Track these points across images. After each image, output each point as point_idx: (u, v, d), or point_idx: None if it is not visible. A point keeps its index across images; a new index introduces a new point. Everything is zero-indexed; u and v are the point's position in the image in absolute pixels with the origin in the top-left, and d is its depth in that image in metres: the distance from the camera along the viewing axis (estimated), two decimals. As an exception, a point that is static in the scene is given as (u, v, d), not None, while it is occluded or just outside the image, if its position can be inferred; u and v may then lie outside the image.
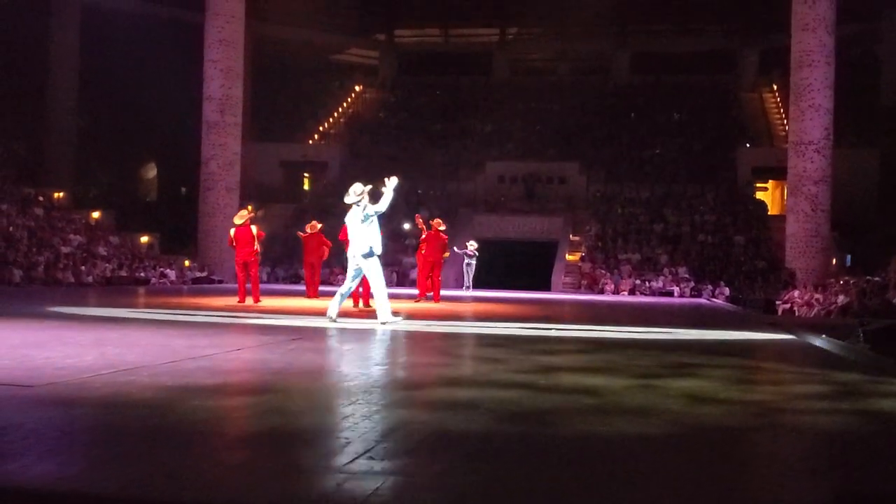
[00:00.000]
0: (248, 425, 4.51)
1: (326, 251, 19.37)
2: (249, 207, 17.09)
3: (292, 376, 6.11)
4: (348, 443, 3.94)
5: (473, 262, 28.17)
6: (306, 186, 46.81)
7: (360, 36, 53.84)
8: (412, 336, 10.58)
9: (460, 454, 3.82)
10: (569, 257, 34.60)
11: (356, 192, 11.66)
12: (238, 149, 34.43)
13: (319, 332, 10.25)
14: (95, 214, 37.02)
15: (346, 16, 51.05)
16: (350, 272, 11.87)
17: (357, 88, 52.63)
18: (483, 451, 3.90)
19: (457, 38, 54.93)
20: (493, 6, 51.31)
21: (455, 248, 27.86)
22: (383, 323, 11.26)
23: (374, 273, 11.57)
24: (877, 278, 23.38)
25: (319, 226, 19.75)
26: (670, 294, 30.85)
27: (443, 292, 20.30)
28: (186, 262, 34.02)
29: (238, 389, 5.74)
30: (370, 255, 11.49)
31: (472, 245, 28.45)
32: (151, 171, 50.03)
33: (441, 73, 52.26)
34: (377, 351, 8.82)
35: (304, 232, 19.50)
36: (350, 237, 11.79)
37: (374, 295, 11.78)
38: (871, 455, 4.27)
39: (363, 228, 11.53)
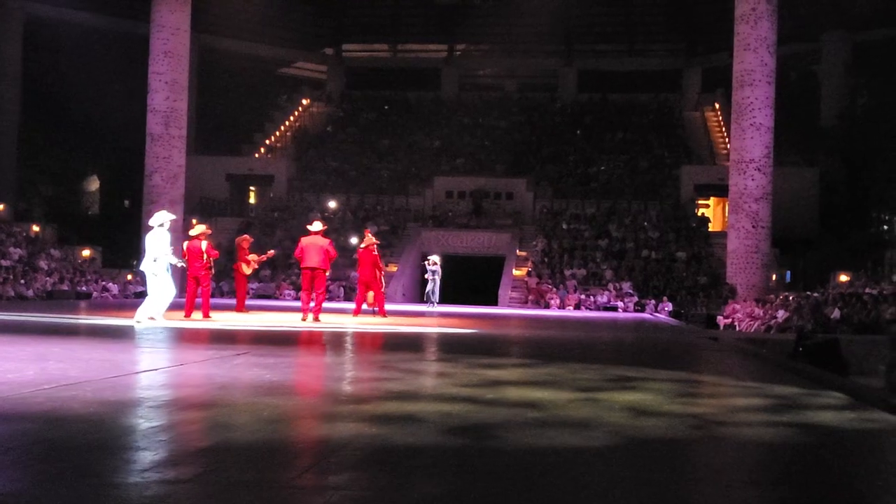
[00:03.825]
0: (194, 440, 4.48)
1: (247, 265, 19.25)
2: (204, 226, 16.89)
3: (238, 391, 6.08)
4: (295, 457, 3.94)
5: (437, 277, 28.21)
6: (252, 200, 46.48)
7: (308, 50, 53.74)
8: (360, 351, 10.57)
9: (406, 468, 3.85)
10: (516, 272, 34.80)
11: (158, 220, 13.93)
12: (183, 161, 34.10)
13: (266, 347, 10.20)
14: (36, 228, 36.36)
15: (294, 30, 50.93)
16: (161, 282, 13.68)
17: (304, 102, 52.45)
18: (429, 465, 3.93)
19: (405, 53, 55.10)
20: (442, 22, 51.57)
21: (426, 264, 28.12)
22: (137, 322, 13.15)
23: (163, 283, 13.70)
24: (815, 294, 23.90)
25: (247, 238, 19.69)
26: (614, 309, 31.17)
27: (403, 307, 20.28)
28: (129, 276, 33.55)
29: (183, 404, 5.70)
30: (160, 267, 13.62)
31: (432, 259, 28.51)
32: (94, 184, 49.28)
33: (389, 87, 52.33)
34: (323, 366, 8.80)
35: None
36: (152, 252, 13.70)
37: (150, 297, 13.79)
38: (811, 467, 4.39)
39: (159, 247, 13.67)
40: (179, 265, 15.17)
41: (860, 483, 4.09)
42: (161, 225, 13.86)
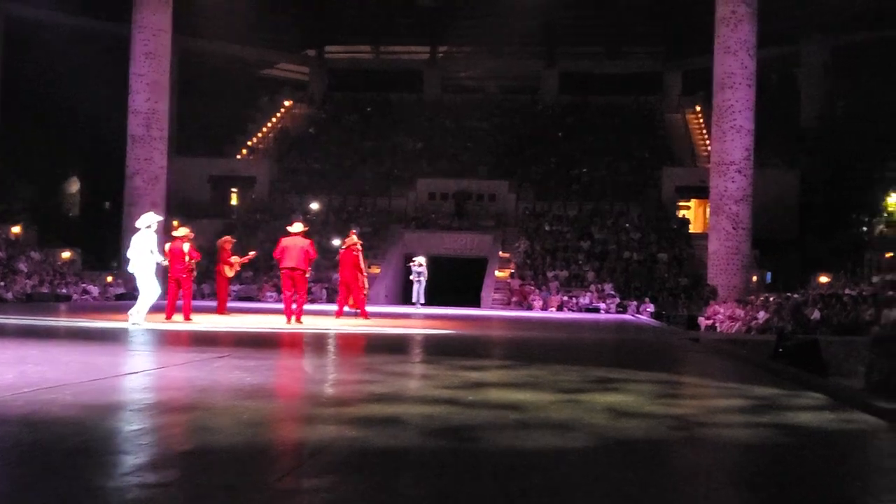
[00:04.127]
0: (174, 443, 4.46)
1: (230, 267, 19.23)
2: (187, 228, 16.84)
3: (218, 394, 6.06)
4: (276, 460, 3.94)
5: (422, 278, 28.21)
6: (234, 201, 46.33)
7: (290, 51, 53.63)
8: (342, 353, 10.56)
9: (387, 470, 3.85)
10: (498, 274, 34.84)
11: (145, 222, 14.14)
12: (164, 163, 33.95)
13: (246, 350, 10.17)
14: (16, 229, 36.09)
15: (276, 31, 50.79)
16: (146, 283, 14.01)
17: (287, 104, 52.32)
18: (410, 467, 3.93)
19: (387, 55, 55.05)
20: (424, 24, 51.56)
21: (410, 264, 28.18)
22: (133, 324, 13.40)
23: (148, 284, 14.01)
24: (796, 295, 24.04)
25: (230, 240, 19.66)
26: (596, 310, 31.25)
27: (387, 309, 20.25)
28: (109, 278, 33.35)
29: (164, 408, 5.67)
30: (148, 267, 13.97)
31: (418, 260, 28.53)
32: (75, 186, 48.98)
33: (372, 89, 52.27)
34: (303, 368, 8.79)
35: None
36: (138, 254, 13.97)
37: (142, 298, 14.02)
38: (791, 468, 4.42)
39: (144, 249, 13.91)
40: (164, 264, 15.26)
41: (840, 484, 4.12)
42: (148, 227, 14.05)
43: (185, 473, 3.73)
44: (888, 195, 35.92)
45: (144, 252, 13.92)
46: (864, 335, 11.50)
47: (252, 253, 20.45)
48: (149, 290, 13.98)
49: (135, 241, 14.10)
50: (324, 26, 52.53)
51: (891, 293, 19.77)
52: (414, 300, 28.30)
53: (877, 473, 4.52)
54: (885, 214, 35.61)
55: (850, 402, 6.72)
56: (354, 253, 18.96)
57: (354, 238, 19.33)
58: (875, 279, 26.01)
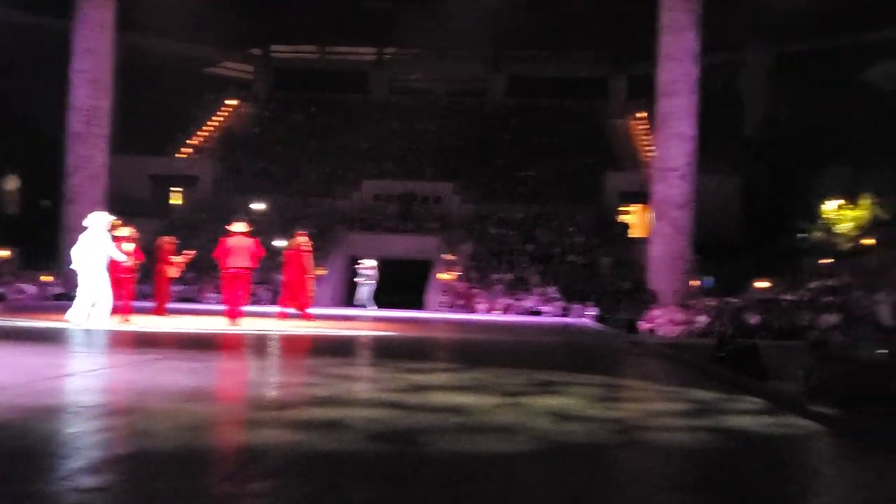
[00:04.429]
0: (112, 447, 4.38)
1: (172, 267, 19.04)
2: (131, 228, 16.61)
3: (157, 397, 5.96)
4: (215, 465, 3.88)
5: (372, 281, 28.15)
6: (176, 201, 45.70)
7: (235, 50, 53.08)
8: (285, 355, 10.47)
9: (330, 475, 3.81)
10: (443, 276, 34.85)
11: (94, 222, 14.33)
12: (105, 161, 33.33)
13: (186, 351, 10.04)
14: (-50, 227, 35.18)
15: (221, 29, 50.19)
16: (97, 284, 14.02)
17: (231, 103, 51.79)
18: (353, 472, 3.90)
19: (334, 55, 54.81)
20: (371, 26, 51.38)
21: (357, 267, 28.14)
22: (73, 323, 13.48)
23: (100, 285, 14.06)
24: (736, 300, 24.41)
25: (171, 241, 19.46)
26: (540, 313, 31.41)
27: (331, 311, 20.15)
28: (47, 278, 32.67)
29: (101, 411, 5.57)
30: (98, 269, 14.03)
31: (368, 262, 28.49)
32: (12, 184, 47.91)
33: (318, 89, 51.98)
34: (245, 370, 8.69)
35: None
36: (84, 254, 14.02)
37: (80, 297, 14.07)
38: (730, 472, 4.47)
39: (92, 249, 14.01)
40: (127, 262, 15.39)
41: (778, 488, 4.18)
42: (97, 226, 14.19)
43: (123, 478, 3.66)
44: (825, 202, 36.65)
45: (92, 252, 13.92)
46: (802, 340, 11.73)
47: (191, 252, 20.17)
48: (93, 290, 13.93)
49: (82, 239, 14.10)
50: (269, 25, 52.08)
51: (828, 299, 20.19)
52: (356, 302, 28.21)
53: (814, 477, 4.60)
54: (823, 221, 36.33)
55: (788, 407, 6.83)
56: (302, 254, 18.87)
57: (302, 239, 19.23)
58: (813, 285, 26.55)
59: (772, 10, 41.73)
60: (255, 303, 26.03)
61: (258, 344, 12.09)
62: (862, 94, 42.92)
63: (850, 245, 32.33)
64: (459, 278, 34.53)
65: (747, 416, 6.39)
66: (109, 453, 4.22)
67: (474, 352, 12.28)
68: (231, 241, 15.57)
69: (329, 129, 47.99)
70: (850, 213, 35.68)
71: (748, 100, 45.49)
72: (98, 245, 14.03)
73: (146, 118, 45.75)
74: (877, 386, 6.80)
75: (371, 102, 51.92)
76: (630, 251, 36.42)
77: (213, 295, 31.25)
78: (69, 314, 13.82)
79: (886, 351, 8.01)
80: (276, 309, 20.54)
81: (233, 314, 15.47)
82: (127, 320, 15.39)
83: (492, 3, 44.09)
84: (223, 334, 13.57)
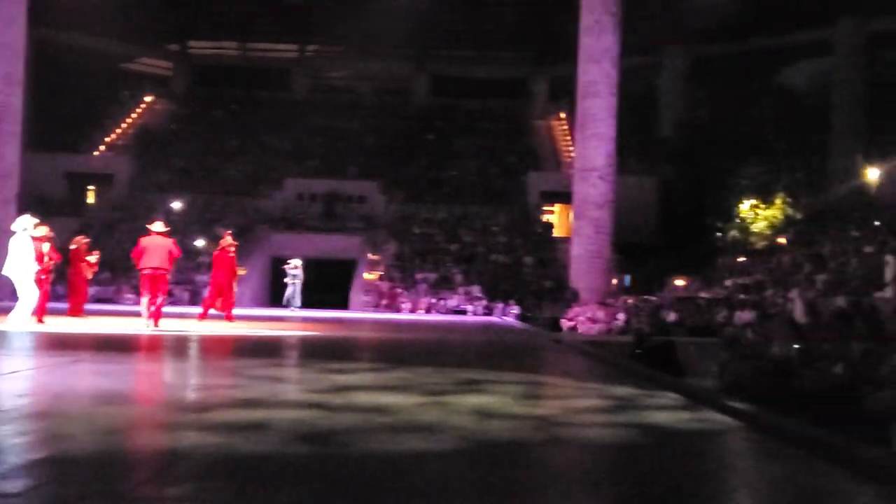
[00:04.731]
0: (26, 452, 4.27)
1: (88, 267, 18.66)
2: (47, 228, 16.19)
3: (74, 400, 5.83)
4: (134, 468, 3.81)
5: (297, 280, 27.93)
6: (92, 199, 44.66)
7: (153, 45, 52.11)
8: (206, 356, 10.33)
9: (251, 477, 3.78)
10: (367, 276, 34.76)
11: (22, 225, 14.42)
12: (16, 159, 32.39)
13: (103, 353, 9.83)
14: None
15: (138, 24, 49.22)
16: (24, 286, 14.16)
17: (148, 99, 50.81)
18: (275, 475, 3.88)
19: (255, 52, 54.21)
20: (292, 22, 50.96)
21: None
22: (12, 325, 13.48)
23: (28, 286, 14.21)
24: (654, 298, 24.89)
25: (86, 241, 19.04)
26: (464, 312, 31.56)
27: (254, 311, 19.92)
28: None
29: (15, 414, 5.42)
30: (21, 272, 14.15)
31: (293, 262, 28.26)
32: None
33: (238, 86, 51.32)
34: (164, 372, 8.55)
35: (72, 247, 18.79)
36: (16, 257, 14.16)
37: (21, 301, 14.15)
38: (648, 467, 4.56)
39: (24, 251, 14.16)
40: (52, 264, 15.39)
41: (695, 483, 4.28)
42: (24, 229, 14.30)
43: (37, 483, 3.58)
44: (741, 202, 37.62)
45: (23, 256, 14.11)
46: (717, 337, 12.01)
47: (95, 256, 19.67)
48: (25, 294, 14.12)
49: (13, 244, 14.27)
50: (188, 20, 51.30)
51: (742, 296, 20.72)
52: (285, 302, 28.02)
53: (729, 472, 4.72)
54: (738, 220, 37.27)
55: (704, 402, 6.99)
56: (230, 254, 18.66)
57: (230, 239, 19.01)
58: (728, 283, 27.23)
59: (688, 13, 42.70)
60: (173, 303, 25.60)
61: (179, 345, 11.90)
62: (775, 96, 44.20)
63: (764, 244, 33.22)
64: (383, 278, 34.49)
65: (665, 411, 6.52)
66: (24, 458, 4.11)
67: (398, 351, 12.29)
68: (147, 241, 15.28)
69: (250, 126, 47.45)
70: (764, 213, 36.69)
71: (665, 101, 46.42)
72: (24, 248, 14.21)
73: (61, 115, 44.63)
74: (789, 382, 7.02)
75: (293, 100, 51.51)
76: (552, 250, 36.85)
77: (130, 296, 30.65)
78: (11, 318, 13.86)
79: (799, 347, 8.26)
80: (195, 310, 20.22)
81: (150, 315, 15.18)
82: (41, 322, 15.00)
83: (415, 3, 44.15)
84: (142, 336, 13.31)
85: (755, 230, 36.13)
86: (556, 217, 43.01)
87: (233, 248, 18.92)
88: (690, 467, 4.67)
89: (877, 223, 26.46)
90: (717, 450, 5.41)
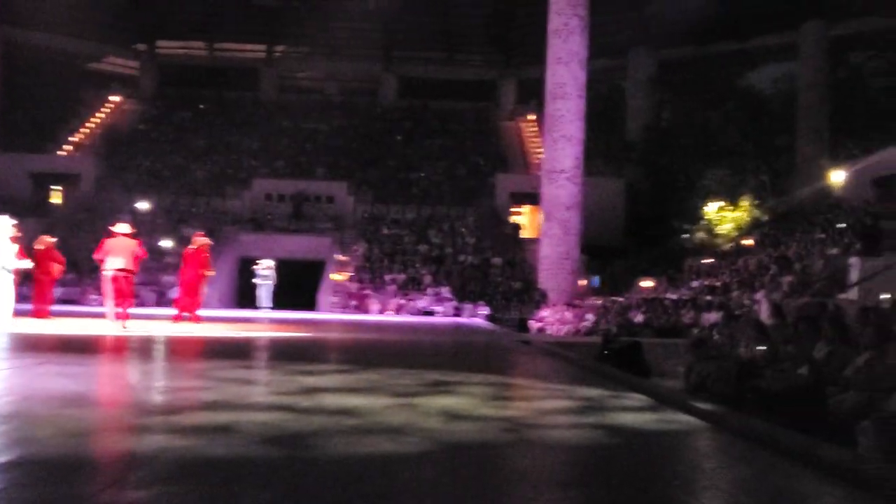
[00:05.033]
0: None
1: (58, 268, 18.50)
2: (13, 229, 16.03)
3: (39, 402, 5.77)
4: (99, 472, 3.78)
5: (269, 281, 27.83)
6: (57, 200, 44.17)
7: (120, 45, 51.65)
8: (172, 359, 10.26)
9: (218, 480, 3.76)
10: (336, 277, 34.65)
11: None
12: (-19, 158, 32.03)
13: (69, 355, 9.73)
14: None
15: (105, 24, 48.78)
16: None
17: (115, 99, 50.33)
18: (242, 477, 3.87)
19: (223, 52, 53.90)
20: (261, 23, 50.76)
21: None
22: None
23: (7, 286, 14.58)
24: (621, 299, 25.04)
25: (52, 241, 18.88)
26: (433, 313, 31.56)
27: (222, 312, 19.79)
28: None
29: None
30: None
31: (265, 262, 28.18)
32: None
33: (206, 86, 51.01)
34: (131, 375, 8.48)
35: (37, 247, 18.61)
36: None
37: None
38: (615, 468, 4.59)
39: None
40: (27, 267, 15.50)
41: (661, 483, 4.32)
42: (2, 231, 14.61)
43: (2, 486, 3.54)
44: (706, 204, 37.95)
45: (3, 256, 14.47)
46: (683, 337, 12.11)
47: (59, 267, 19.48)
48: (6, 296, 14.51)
49: None
50: (155, 20, 50.90)
51: (709, 298, 20.88)
52: (258, 304, 27.95)
53: (696, 473, 4.76)
54: (704, 222, 37.59)
55: (670, 403, 7.05)
56: (204, 255, 18.56)
57: (205, 240, 18.91)
58: (695, 284, 27.44)
59: (654, 17, 43.02)
60: (139, 304, 25.38)
61: (145, 347, 11.80)
62: (741, 99, 44.63)
63: (730, 245, 33.52)
64: (352, 279, 34.40)
65: (631, 412, 6.56)
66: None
67: (367, 353, 12.27)
68: (111, 243, 15.15)
69: (218, 126, 47.17)
70: (730, 215, 37.02)
71: (632, 104, 46.72)
72: (3, 249, 14.45)
73: (27, 115, 44.13)
74: (754, 383, 7.09)
75: (261, 101, 51.29)
76: (521, 251, 36.94)
77: (95, 297, 30.34)
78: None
79: (764, 348, 8.34)
80: (162, 311, 20.07)
81: (116, 316, 15.05)
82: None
83: (383, 4, 44.10)
84: (108, 338, 13.19)
85: (721, 232, 36.46)
86: (525, 218, 43.16)
87: (205, 249, 18.83)
88: (656, 468, 4.71)
89: (841, 225, 26.76)
90: (683, 451, 5.46)
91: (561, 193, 30.17)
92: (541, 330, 21.97)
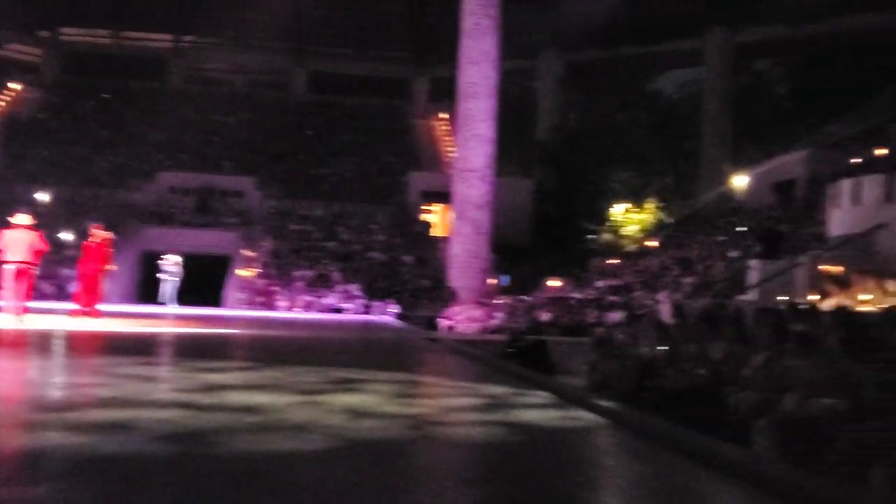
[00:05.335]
0: None
1: None
2: None
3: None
4: (-12, 471, 3.66)
5: (175, 278, 27.28)
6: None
7: (21, 31, 49.98)
8: (71, 354, 9.98)
9: (114, 478, 3.68)
10: (243, 273, 34.18)
11: None
12: None
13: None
14: None
15: (6, 9, 47.12)
16: None
17: (15, 87, 48.66)
18: (139, 474, 3.79)
19: (129, 40, 52.64)
20: (168, 12, 49.71)
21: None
22: None
23: None
24: (528, 298, 25.33)
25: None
26: (342, 311, 31.40)
27: (124, 308, 19.32)
28: None
29: None
30: None
31: (172, 258, 27.59)
32: None
33: (110, 76, 49.71)
34: (28, 370, 8.23)
35: None
36: None
37: None
38: (519, 464, 4.64)
39: None
40: None
41: (563, 480, 4.38)
42: None
43: None
44: (612, 205, 38.66)
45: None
46: (587, 336, 12.29)
47: None
48: None
49: None
50: (59, 6, 49.39)
51: (612, 297, 21.29)
52: (160, 299, 27.40)
53: (596, 469, 4.85)
54: (609, 223, 38.29)
55: (574, 401, 7.15)
56: (106, 249, 18.10)
57: (106, 233, 18.45)
58: (599, 284, 27.95)
59: (563, 20, 43.63)
60: (38, 298, 24.61)
61: (43, 342, 11.46)
62: (648, 102, 45.61)
63: (635, 247, 34.21)
64: (259, 275, 34.00)
65: (535, 409, 6.64)
66: None
67: (272, 350, 12.14)
68: (10, 235, 14.66)
69: (122, 117, 46.04)
70: (635, 217, 37.78)
71: (541, 105, 47.26)
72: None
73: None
74: (655, 381, 7.25)
75: (167, 91, 50.22)
76: (431, 250, 37.02)
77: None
78: None
79: (665, 348, 8.51)
80: (61, 305, 19.51)
81: (14, 310, 14.58)
82: None
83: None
84: (5, 332, 12.76)
85: (626, 233, 37.18)
86: (437, 217, 43.27)
87: (106, 242, 18.39)
88: (559, 465, 4.77)
89: (742, 228, 27.56)
90: (586, 448, 5.55)
91: (472, 193, 30.30)
92: (450, 328, 22.06)
